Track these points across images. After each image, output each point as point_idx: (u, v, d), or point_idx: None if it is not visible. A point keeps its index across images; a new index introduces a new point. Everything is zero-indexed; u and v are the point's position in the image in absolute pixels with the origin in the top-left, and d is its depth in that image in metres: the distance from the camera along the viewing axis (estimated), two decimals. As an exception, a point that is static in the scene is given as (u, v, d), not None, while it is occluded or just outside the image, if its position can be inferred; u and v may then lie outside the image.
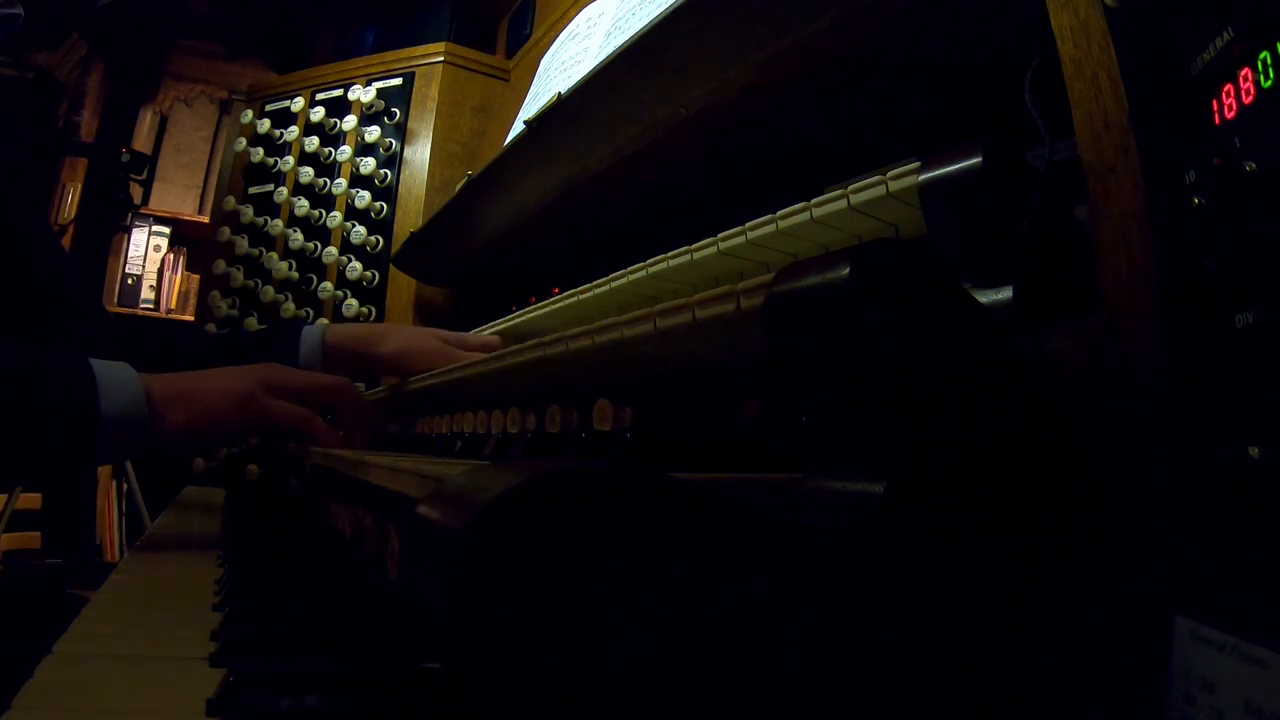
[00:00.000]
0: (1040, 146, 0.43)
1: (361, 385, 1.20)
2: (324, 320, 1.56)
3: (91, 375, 0.76)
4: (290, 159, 1.73)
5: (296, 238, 1.66)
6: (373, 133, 1.65)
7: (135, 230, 3.56)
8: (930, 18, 0.56)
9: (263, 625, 0.57)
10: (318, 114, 1.72)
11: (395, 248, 1.54)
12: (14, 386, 0.73)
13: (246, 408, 0.87)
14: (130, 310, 3.52)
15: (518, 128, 1.11)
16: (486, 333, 1.01)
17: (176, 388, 0.83)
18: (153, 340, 1.28)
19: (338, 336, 1.12)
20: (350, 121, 1.68)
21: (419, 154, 1.67)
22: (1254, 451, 0.28)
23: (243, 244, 1.71)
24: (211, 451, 1.63)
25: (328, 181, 1.67)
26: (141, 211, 3.55)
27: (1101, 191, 0.36)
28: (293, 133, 1.74)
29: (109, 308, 3.47)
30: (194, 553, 0.92)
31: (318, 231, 1.67)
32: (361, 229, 1.61)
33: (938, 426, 0.33)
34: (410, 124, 1.68)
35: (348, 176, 1.67)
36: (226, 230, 1.74)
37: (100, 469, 3.04)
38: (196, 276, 3.47)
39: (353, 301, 1.59)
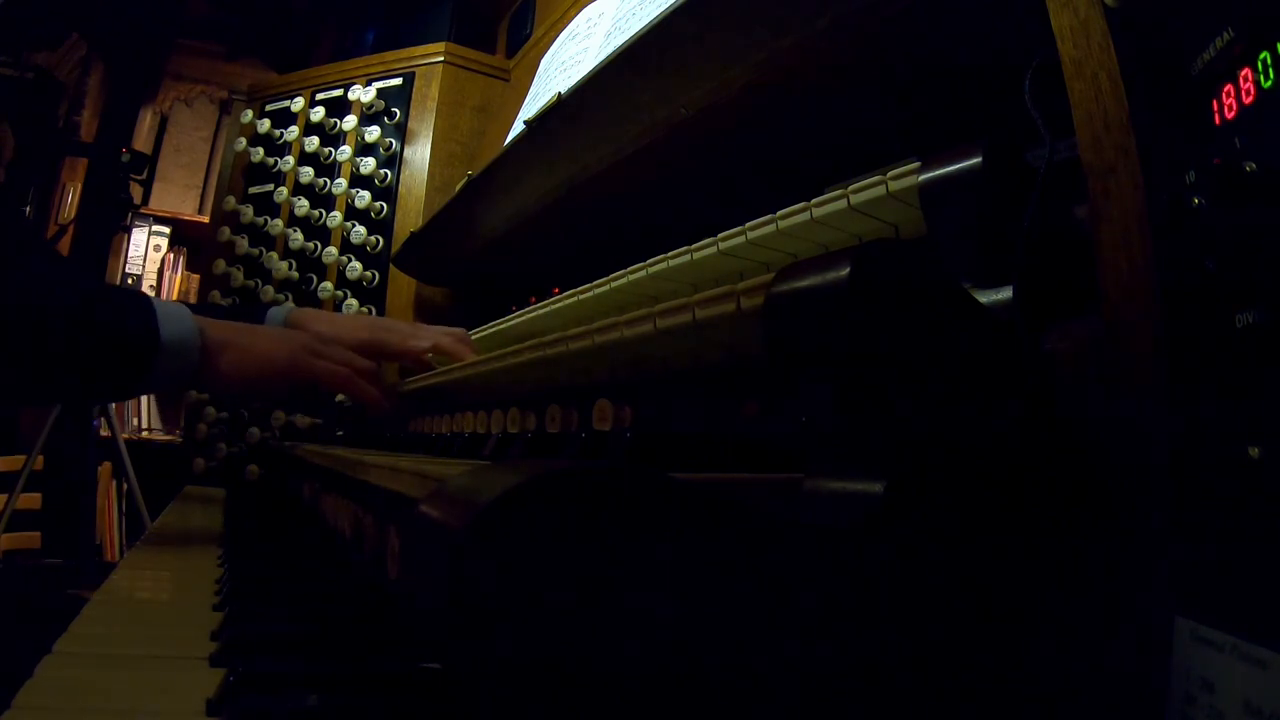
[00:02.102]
0: (1040, 146, 0.43)
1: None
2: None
3: (150, 304, 0.84)
4: (290, 159, 1.73)
5: (296, 238, 1.66)
6: (373, 133, 1.65)
7: (135, 230, 3.55)
8: (930, 18, 0.56)
9: (263, 625, 0.57)
10: (318, 114, 1.72)
11: (395, 248, 1.54)
12: (82, 306, 0.80)
13: (295, 362, 0.91)
14: (130, 310, 3.51)
15: (518, 128, 1.11)
16: (486, 333, 1.01)
17: (229, 334, 0.89)
18: None
19: (298, 319, 1.16)
20: (350, 121, 1.68)
21: (419, 154, 1.67)
22: (1254, 451, 0.28)
23: (243, 244, 1.71)
24: (212, 451, 1.63)
25: (328, 181, 1.67)
26: (141, 211, 3.54)
27: (1101, 191, 0.36)
28: (293, 133, 1.74)
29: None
30: (194, 553, 0.92)
31: (318, 231, 1.67)
32: (361, 229, 1.61)
33: (937, 426, 0.33)
34: (410, 124, 1.68)
35: (348, 176, 1.67)
36: (226, 230, 1.74)
37: (100, 469, 3.04)
38: (196, 276, 3.46)
39: (353, 301, 1.59)
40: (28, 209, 3.25)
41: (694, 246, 0.61)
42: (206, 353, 0.85)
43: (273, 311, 1.18)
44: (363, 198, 1.63)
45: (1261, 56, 0.28)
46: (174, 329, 0.83)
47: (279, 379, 0.91)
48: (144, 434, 3.24)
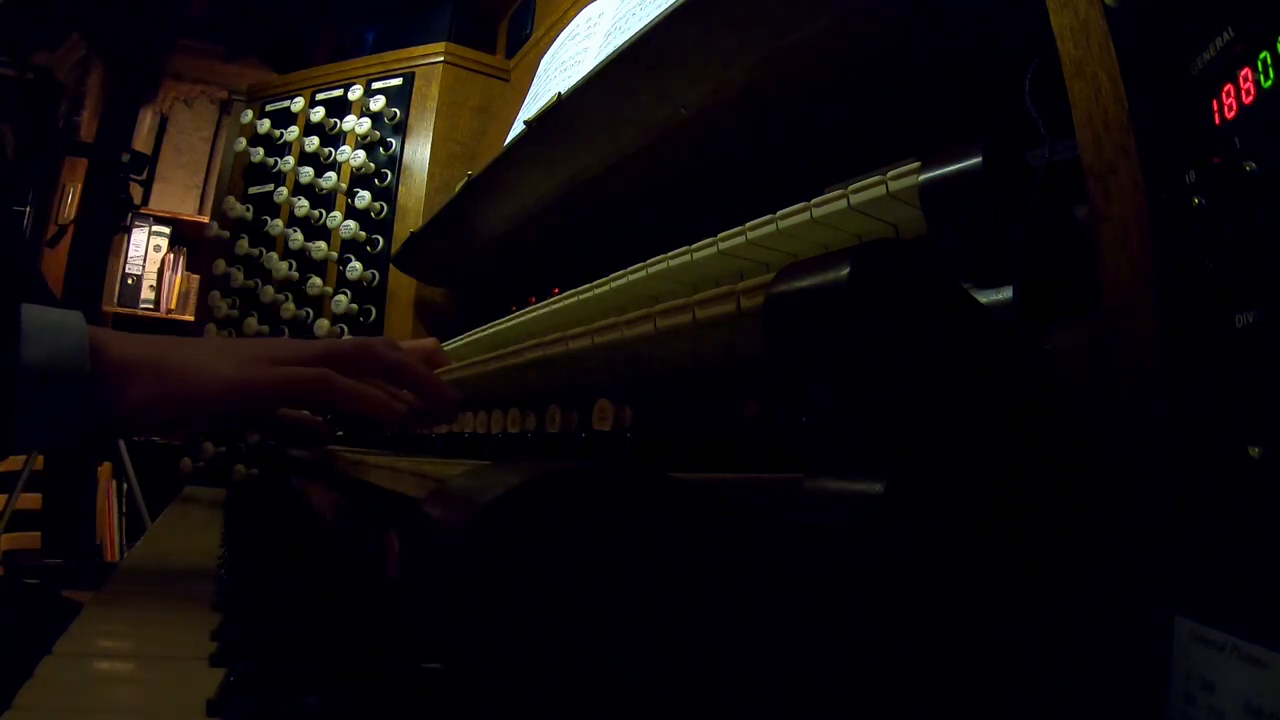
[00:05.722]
0: (1040, 146, 0.43)
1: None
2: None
3: (10, 311, 0.56)
4: (290, 159, 1.73)
5: (296, 238, 1.66)
6: (373, 133, 1.65)
7: (135, 230, 3.56)
8: (930, 18, 0.56)
9: (262, 625, 0.57)
10: (318, 114, 1.71)
11: (395, 248, 1.54)
12: None
13: (250, 377, 0.62)
14: (130, 310, 3.52)
15: (518, 128, 1.11)
16: (486, 333, 1.01)
17: (147, 349, 0.62)
18: None
19: None
20: (350, 121, 1.68)
21: (419, 154, 1.67)
22: (1254, 451, 0.28)
23: (243, 244, 1.71)
24: (198, 452, 1.62)
25: (328, 181, 1.67)
26: (141, 211, 3.55)
27: (1101, 191, 0.36)
28: (293, 133, 1.74)
29: (108, 308, 3.47)
30: (194, 553, 0.92)
31: (318, 231, 1.66)
32: (362, 229, 1.61)
33: (938, 426, 0.33)
34: (410, 124, 1.68)
35: (348, 177, 1.66)
36: (226, 230, 1.74)
37: (100, 469, 3.04)
38: (196, 276, 3.47)
39: (351, 304, 1.59)
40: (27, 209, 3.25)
41: (694, 246, 0.61)
42: (108, 377, 0.58)
43: None
44: (362, 198, 1.63)
45: (1261, 56, 0.28)
46: (48, 345, 0.56)
47: (218, 403, 0.61)
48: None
